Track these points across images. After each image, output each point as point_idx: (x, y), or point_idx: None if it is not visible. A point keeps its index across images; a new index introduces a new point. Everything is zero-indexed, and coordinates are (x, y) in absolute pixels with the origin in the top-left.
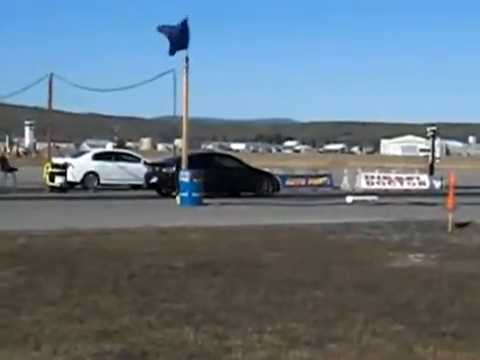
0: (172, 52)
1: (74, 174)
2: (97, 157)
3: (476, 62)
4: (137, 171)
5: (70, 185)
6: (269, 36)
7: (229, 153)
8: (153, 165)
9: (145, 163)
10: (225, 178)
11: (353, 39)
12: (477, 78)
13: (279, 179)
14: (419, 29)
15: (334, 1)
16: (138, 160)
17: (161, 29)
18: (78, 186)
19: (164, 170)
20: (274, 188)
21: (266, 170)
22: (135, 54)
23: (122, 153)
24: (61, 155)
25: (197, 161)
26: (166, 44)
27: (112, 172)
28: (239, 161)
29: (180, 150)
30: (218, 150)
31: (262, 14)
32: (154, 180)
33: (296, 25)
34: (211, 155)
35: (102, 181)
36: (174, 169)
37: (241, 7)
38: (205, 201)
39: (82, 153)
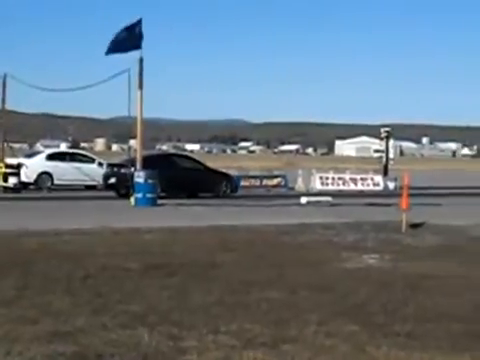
0: (109, 52)
1: (28, 174)
2: (51, 157)
3: (430, 63)
4: (91, 171)
5: (24, 185)
6: (221, 36)
7: (187, 154)
8: (111, 166)
9: (99, 164)
10: (183, 179)
11: (306, 39)
12: (430, 80)
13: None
14: (372, 29)
15: (289, 1)
16: (92, 161)
17: (119, 34)
18: (32, 186)
19: (122, 171)
20: (232, 189)
21: (224, 171)
22: (90, 54)
23: (76, 153)
24: (14, 155)
25: (155, 162)
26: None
27: (66, 172)
28: (197, 162)
29: (135, 151)
30: (172, 151)
31: (214, 13)
32: (112, 181)
33: (247, 24)
34: (169, 156)
35: (56, 181)
36: (132, 170)
37: (192, 6)
38: (161, 202)
39: (36, 153)
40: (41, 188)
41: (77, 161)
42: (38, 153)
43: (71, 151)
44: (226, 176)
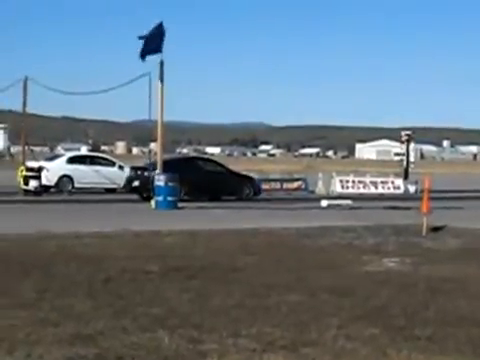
0: (143, 57)
1: (48, 177)
2: (72, 160)
3: (451, 67)
4: (112, 175)
5: (44, 188)
6: (243, 38)
7: (210, 157)
8: (135, 169)
9: (120, 167)
10: (206, 182)
11: (327, 42)
12: (452, 83)
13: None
14: (393, 31)
15: (308, 4)
16: (113, 164)
17: (142, 37)
18: (53, 190)
19: (145, 174)
20: (255, 192)
21: (246, 174)
22: (111, 58)
23: (97, 156)
24: (35, 158)
25: (178, 165)
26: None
27: (87, 176)
28: (220, 165)
29: (156, 154)
30: (193, 154)
31: (235, 14)
32: (136, 184)
33: (268, 26)
34: (192, 159)
35: (76, 185)
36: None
37: (214, 10)
38: (181, 205)
39: (57, 156)
40: (62, 191)
41: (97, 164)
42: (59, 156)
43: (91, 154)
44: (249, 179)
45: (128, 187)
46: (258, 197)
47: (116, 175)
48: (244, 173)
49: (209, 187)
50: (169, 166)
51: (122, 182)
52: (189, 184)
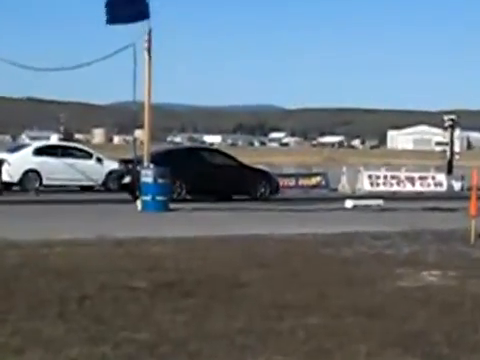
0: (111, 22)
1: (11, 173)
2: (39, 152)
3: None
4: (88, 169)
5: (6, 186)
6: (247, 6)
7: (217, 148)
8: (125, 162)
9: (98, 159)
10: (213, 178)
11: (353, 9)
12: None
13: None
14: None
15: None
16: (89, 156)
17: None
18: (16, 187)
19: (139, 168)
20: (272, 190)
21: (262, 168)
22: (86, 26)
23: (70, 147)
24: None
25: (178, 158)
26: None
27: (57, 170)
28: (230, 157)
29: (142, 143)
30: (187, 143)
31: None
32: (126, 180)
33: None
34: (196, 150)
35: (45, 181)
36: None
37: None
38: (173, 206)
39: (21, 147)
40: (27, 189)
41: (71, 156)
42: (23, 147)
43: (63, 144)
44: (265, 174)
45: (117, 184)
46: (275, 196)
47: (93, 170)
48: (259, 167)
49: (216, 184)
50: (167, 159)
51: (101, 178)
52: (192, 181)
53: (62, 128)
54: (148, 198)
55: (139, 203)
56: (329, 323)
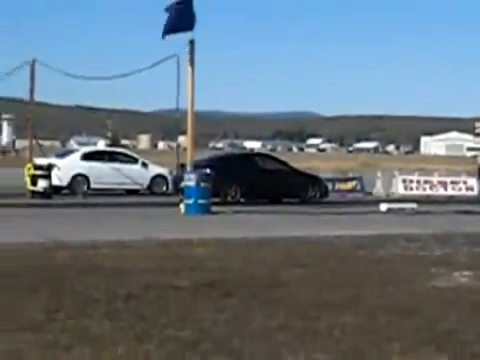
0: (165, 34)
1: (60, 177)
2: (87, 157)
3: None
4: (134, 173)
5: (55, 190)
6: (287, 15)
7: (270, 153)
8: (184, 167)
9: (143, 164)
10: (266, 182)
11: (387, 20)
12: None
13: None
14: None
15: None
16: (135, 161)
17: (169, 9)
18: (65, 191)
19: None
20: (321, 193)
21: (312, 173)
22: (133, 37)
23: (116, 152)
24: (45, 155)
25: (233, 163)
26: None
27: (105, 175)
28: (282, 162)
29: (185, 149)
30: (229, 149)
31: None
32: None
33: (319, 3)
34: (250, 156)
35: (93, 185)
36: (208, 171)
37: None
38: (215, 209)
39: (69, 152)
40: (76, 193)
41: (117, 161)
42: (72, 152)
43: (110, 150)
44: (315, 179)
45: (174, 188)
46: (324, 200)
47: (139, 174)
48: (309, 172)
49: (269, 188)
50: (223, 164)
51: (146, 182)
52: (246, 185)
53: (109, 134)
54: (191, 201)
55: (182, 206)
56: (364, 322)
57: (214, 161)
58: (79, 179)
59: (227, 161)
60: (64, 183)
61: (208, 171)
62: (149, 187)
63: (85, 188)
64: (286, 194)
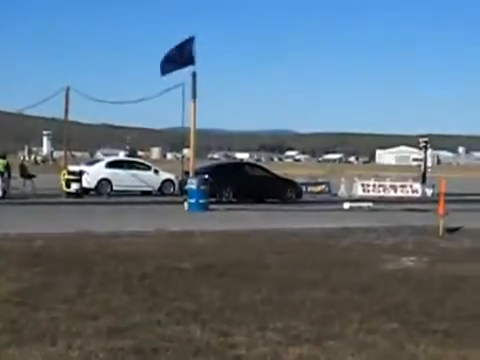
0: (164, 73)
1: (89, 181)
2: (110, 165)
3: (465, 77)
4: (147, 178)
5: (85, 191)
6: (271, 54)
7: (256, 163)
8: (188, 173)
9: (155, 171)
10: (252, 186)
11: (349, 57)
12: (466, 93)
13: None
14: (410, 49)
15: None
16: (148, 168)
17: (168, 57)
18: (92, 192)
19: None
20: (297, 195)
21: (289, 178)
22: (146, 69)
23: (133, 161)
24: (77, 163)
25: (227, 169)
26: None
27: (124, 179)
28: (265, 170)
29: (188, 159)
30: (223, 159)
31: (263, 32)
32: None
33: (292, 44)
34: (240, 164)
35: (115, 187)
36: (207, 177)
37: (245, 25)
38: (212, 207)
39: (96, 161)
40: (101, 193)
41: (134, 168)
42: (98, 161)
43: (128, 159)
44: (291, 183)
45: (180, 191)
46: (299, 200)
47: (151, 179)
48: (287, 177)
49: (255, 190)
50: (218, 171)
51: (157, 185)
52: (237, 187)
53: (128, 147)
54: (193, 201)
55: (186, 204)
56: (330, 297)
57: (212, 169)
58: (104, 183)
59: (222, 169)
60: (92, 186)
61: (206, 177)
62: (160, 189)
63: (108, 190)
64: (269, 195)
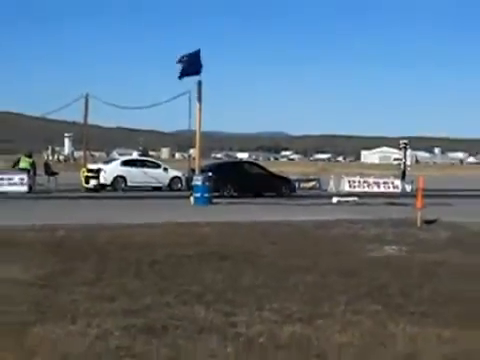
0: (181, 77)
1: (105, 177)
2: (125, 164)
3: (442, 84)
4: (158, 175)
5: (102, 187)
6: (267, 65)
7: (255, 161)
8: (194, 171)
9: (164, 169)
10: (252, 182)
11: (336, 65)
12: (442, 98)
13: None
14: (394, 62)
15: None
16: (159, 166)
17: (180, 60)
18: (109, 188)
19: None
20: (291, 190)
21: (284, 175)
22: (157, 77)
23: (145, 160)
24: (95, 162)
25: (229, 167)
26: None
27: (137, 176)
28: (263, 168)
29: (194, 158)
30: (225, 159)
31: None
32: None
33: (288, 58)
34: (241, 163)
35: (129, 183)
36: (210, 174)
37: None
38: (215, 201)
39: (112, 160)
40: (116, 189)
41: (146, 167)
42: (114, 160)
43: (141, 158)
44: (286, 179)
45: (187, 186)
46: (293, 194)
47: (161, 176)
48: (282, 174)
49: (253, 186)
50: (222, 168)
51: (166, 182)
52: (238, 183)
53: (141, 147)
54: (198, 195)
55: (192, 199)
56: (320, 280)
57: (215, 167)
58: (119, 179)
59: (224, 167)
60: (108, 182)
61: (210, 174)
62: (169, 185)
63: (123, 185)
64: (266, 190)
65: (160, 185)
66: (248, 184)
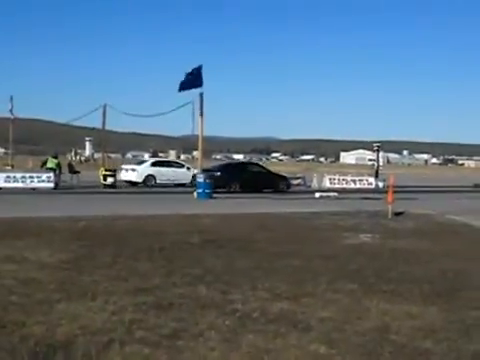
0: (181, 90)
1: (137, 176)
2: (154, 164)
3: (410, 91)
4: (182, 174)
5: (133, 184)
6: (258, 75)
7: (256, 162)
8: (205, 171)
9: (188, 168)
10: (253, 179)
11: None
12: (408, 107)
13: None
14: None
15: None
16: (183, 166)
17: (188, 75)
18: (140, 185)
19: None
20: (287, 186)
21: (281, 173)
22: (165, 88)
23: (171, 161)
24: (114, 163)
25: (233, 167)
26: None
27: (165, 174)
28: (263, 167)
29: (197, 159)
30: (224, 160)
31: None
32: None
33: (275, 66)
34: (244, 163)
35: (158, 181)
36: (219, 173)
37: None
38: (215, 196)
39: (143, 162)
40: (147, 186)
41: (172, 166)
42: (145, 161)
43: (168, 160)
44: (283, 177)
45: (191, 183)
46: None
47: (185, 174)
48: (280, 173)
49: (256, 183)
50: (226, 168)
51: (189, 179)
52: (241, 181)
53: (151, 150)
54: (201, 191)
55: (195, 194)
56: (305, 264)
57: (222, 167)
58: (149, 177)
59: (230, 167)
60: (140, 180)
61: (211, 173)
62: (191, 182)
63: (153, 183)
64: (266, 187)
65: (184, 182)
66: (251, 181)
